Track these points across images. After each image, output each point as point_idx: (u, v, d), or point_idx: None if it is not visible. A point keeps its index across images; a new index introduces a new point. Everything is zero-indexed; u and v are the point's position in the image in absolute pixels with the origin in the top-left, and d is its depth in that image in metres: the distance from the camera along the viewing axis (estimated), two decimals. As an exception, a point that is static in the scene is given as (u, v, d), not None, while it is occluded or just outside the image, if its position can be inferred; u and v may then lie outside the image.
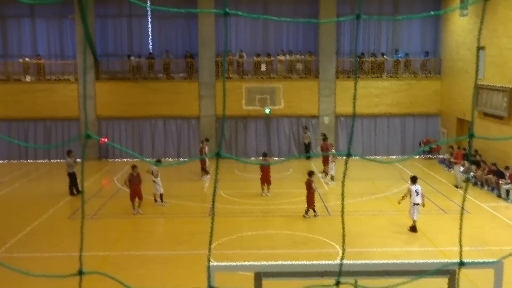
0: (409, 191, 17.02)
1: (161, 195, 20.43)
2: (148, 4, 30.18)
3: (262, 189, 21.81)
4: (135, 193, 19.42)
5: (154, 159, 26.72)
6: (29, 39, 31.10)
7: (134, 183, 19.40)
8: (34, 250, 15.85)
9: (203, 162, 25.04)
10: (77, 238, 15.20)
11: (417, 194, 16.86)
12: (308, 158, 29.10)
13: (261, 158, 24.29)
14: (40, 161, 30.01)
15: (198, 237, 16.43)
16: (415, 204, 16.82)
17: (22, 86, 29.82)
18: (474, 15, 25.68)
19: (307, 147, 29.54)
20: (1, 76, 30.30)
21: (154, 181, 20.35)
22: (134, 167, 19.69)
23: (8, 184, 24.73)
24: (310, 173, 19.11)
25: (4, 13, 30.71)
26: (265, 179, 21.81)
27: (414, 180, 17.19)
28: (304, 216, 18.71)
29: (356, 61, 3.55)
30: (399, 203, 17.47)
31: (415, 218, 16.91)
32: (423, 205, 17.03)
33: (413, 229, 17.02)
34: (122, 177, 25.66)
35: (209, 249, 3.11)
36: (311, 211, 18.76)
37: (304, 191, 18.89)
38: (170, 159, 29.52)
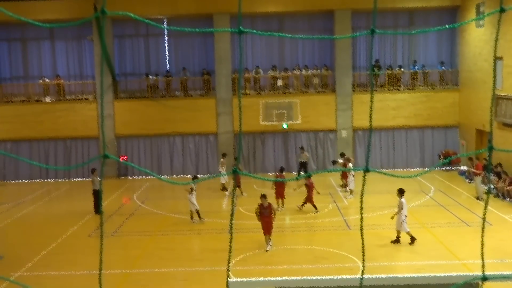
0: (402, 204, 16.95)
1: (197, 212, 20.35)
2: (165, 24, 30.60)
3: (277, 204, 21.75)
4: (267, 227, 16.88)
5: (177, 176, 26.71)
6: (49, 61, 31.63)
7: (265, 215, 16.86)
8: (56, 269, 15.98)
9: (238, 179, 23.49)
10: (98, 256, 15.29)
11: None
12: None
13: (277, 173, 24.20)
14: (60, 180, 30.37)
15: (218, 253, 16.43)
16: (405, 216, 16.95)
17: (42, 106, 30.30)
18: (490, 26, 25.53)
19: (304, 166, 28.06)
20: (22, 97, 30.83)
21: (189, 199, 20.31)
22: (263, 196, 17.06)
23: (29, 203, 25.01)
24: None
25: (24, 36, 31.34)
26: (279, 194, 21.82)
27: (403, 192, 17.21)
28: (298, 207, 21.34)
29: (371, 75, 3.57)
30: (392, 218, 17.24)
31: (408, 230, 17.00)
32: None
33: (397, 241, 17.13)
34: (141, 195, 25.83)
35: (228, 265, 3.13)
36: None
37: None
38: (189, 176, 29.63)
